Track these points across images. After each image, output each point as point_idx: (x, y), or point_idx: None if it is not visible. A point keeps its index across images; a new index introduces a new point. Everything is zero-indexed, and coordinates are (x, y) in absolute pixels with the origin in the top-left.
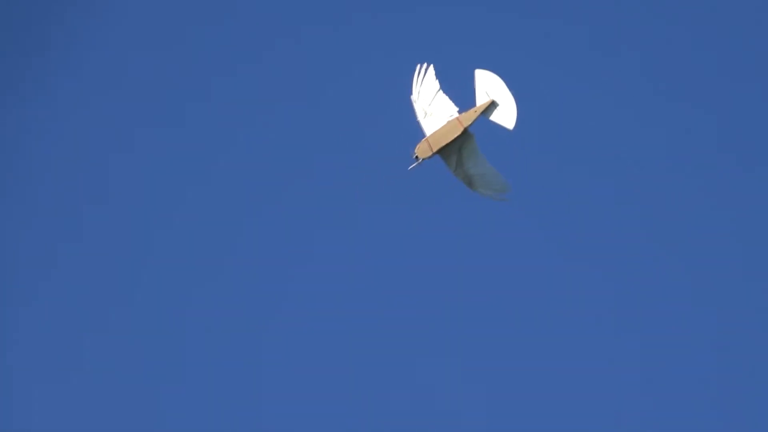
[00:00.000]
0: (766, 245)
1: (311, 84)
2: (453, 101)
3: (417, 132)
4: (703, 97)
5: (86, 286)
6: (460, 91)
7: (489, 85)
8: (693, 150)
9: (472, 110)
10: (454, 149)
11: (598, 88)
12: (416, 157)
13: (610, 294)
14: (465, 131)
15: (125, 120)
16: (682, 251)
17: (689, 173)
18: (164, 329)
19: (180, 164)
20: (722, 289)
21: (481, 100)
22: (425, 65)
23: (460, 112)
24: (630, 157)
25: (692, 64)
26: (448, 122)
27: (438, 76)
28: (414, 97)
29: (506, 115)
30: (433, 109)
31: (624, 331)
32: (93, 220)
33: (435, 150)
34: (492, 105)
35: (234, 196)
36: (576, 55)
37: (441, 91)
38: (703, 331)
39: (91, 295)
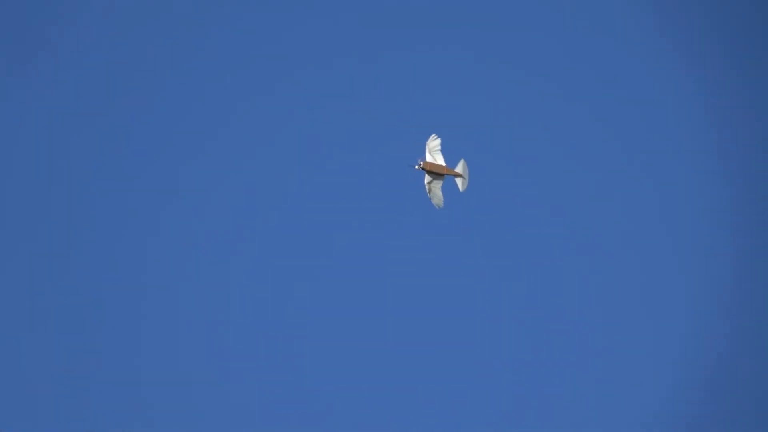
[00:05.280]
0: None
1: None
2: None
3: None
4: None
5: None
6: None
7: (464, 168)
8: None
9: (448, 169)
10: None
11: None
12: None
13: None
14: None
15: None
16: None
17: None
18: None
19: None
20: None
21: (456, 169)
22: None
23: (447, 165)
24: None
25: None
26: (440, 165)
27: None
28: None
29: (462, 185)
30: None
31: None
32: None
33: (427, 169)
34: (458, 176)
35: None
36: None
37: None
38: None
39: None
